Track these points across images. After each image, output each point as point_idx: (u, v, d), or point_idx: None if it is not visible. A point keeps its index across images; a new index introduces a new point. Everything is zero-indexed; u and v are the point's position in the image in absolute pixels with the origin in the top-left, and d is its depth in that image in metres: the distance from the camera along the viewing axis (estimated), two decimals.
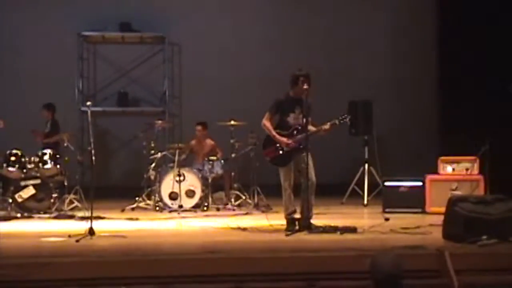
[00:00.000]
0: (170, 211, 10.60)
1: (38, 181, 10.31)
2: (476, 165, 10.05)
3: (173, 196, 10.76)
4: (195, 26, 13.70)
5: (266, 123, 8.29)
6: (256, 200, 11.15)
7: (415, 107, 13.74)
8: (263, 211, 10.49)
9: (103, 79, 13.92)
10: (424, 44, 13.87)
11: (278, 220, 8.71)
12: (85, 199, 10.57)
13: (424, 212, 10.12)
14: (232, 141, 11.34)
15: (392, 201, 10.30)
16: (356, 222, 8.51)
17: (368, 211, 10.81)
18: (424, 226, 8.30)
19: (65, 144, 10.99)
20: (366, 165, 11.74)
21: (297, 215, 8.24)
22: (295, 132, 8.22)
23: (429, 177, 10.33)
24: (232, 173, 11.44)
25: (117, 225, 9.03)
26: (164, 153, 11.46)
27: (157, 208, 10.86)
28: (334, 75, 13.51)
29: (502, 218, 7.24)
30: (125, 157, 13.79)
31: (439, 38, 13.69)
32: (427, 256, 6.47)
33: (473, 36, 12.00)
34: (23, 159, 10.43)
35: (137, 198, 11.20)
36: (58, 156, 10.72)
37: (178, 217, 10.02)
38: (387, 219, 9.09)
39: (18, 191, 10.20)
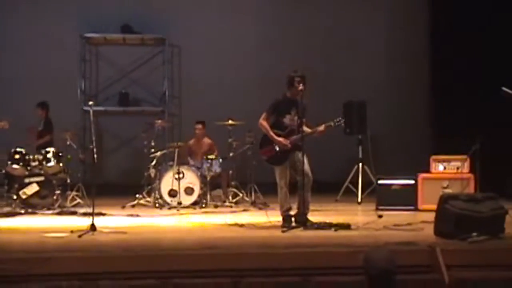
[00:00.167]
0: (170, 208, 10.61)
1: (41, 179, 10.32)
2: (466, 164, 10.06)
3: (173, 193, 10.77)
4: (194, 28, 13.71)
5: (263, 122, 8.28)
6: (253, 197, 11.17)
7: (408, 107, 13.77)
8: (260, 208, 10.52)
9: (104, 79, 13.93)
10: (418, 47, 13.89)
11: (274, 217, 8.71)
12: (87, 196, 10.59)
13: (416, 209, 10.12)
14: (230, 140, 11.35)
15: (385, 199, 10.31)
16: (350, 219, 8.51)
17: (362, 209, 10.81)
18: (416, 223, 8.30)
19: (68, 143, 10.99)
20: (360, 164, 11.75)
21: (293, 212, 8.25)
22: (290, 132, 8.22)
23: (421, 175, 10.34)
24: (230, 171, 11.45)
25: (118, 221, 9.02)
26: (164, 151, 11.45)
27: (157, 205, 10.86)
28: (330, 76, 13.52)
29: (492, 216, 7.24)
30: (125, 155, 13.79)
31: (432, 41, 13.70)
32: (419, 252, 6.48)
33: (465, 39, 12.01)
34: (27, 157, 10.46)
35: (137, 195, 11.19)
36: (61, 154, 10.71)
37: (178, 214, 10.03)
38: (380, 216, 9.10)
39: (22, 188, 10.21)
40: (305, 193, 8.10)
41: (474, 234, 6.87)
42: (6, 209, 10.17)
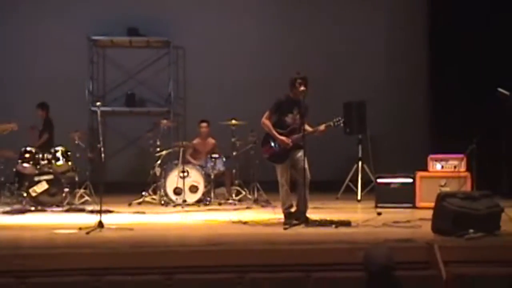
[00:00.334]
0: (175, 206, 10.61)
1: (50, 177, 10.32)
2: (463, 163, 10.04)
3: (178, 191, 10.77)
4: (198, 31, 13.71)
5: (266, 121, 8.28)
6: (255, 195, 11.17)
7: (407, 108, 13.75)
8: (262, 206, 10.53)
9: (112, 81, 13.93)
10: (417, 47, 13.86)
11: (277, 214, 8.71)
12: (94, 194, 10.60)
13: (414, 207, 10.12)
14: (233, 139, 11.37)
15: (384, 197, 10.30)
16: (350, 217, 8.50)
17: (361, 206, 10.80)
18: (415, 220, 8.28)
19: (76, 142, 11.00)
20: (360, 163, 11.75)
21: (294, 209, 8.25)
22: (292, 131, 8.23)
23: (419, 174, 10.33)
24: (233, 170, 11.46)
25: (124, 218, 9.02)
26: (169, 150, 11.46)
27: (162, 203, 10.87)
28: (330, 76, 13.50)
29: (488, 213, 7.23)
30: (132, 154, 13.80)
31: (431, 41, 13.66)
32: (417, 248, 6.47)
33: (465, 39, 11.98)
34: (37, 156, 10.46)
35: (143, 193, 11.21)
36: (69, 153, 10.72)
37: (183, 211, 10.03)
38: (379, 214, 9.08)
39: (32, 186, 10.21)
40: (304, 191, 8.10)
41: (471, 231, 6.86)
42: (17, 207, 10.20)
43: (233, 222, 8.56)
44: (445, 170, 10.32)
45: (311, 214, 8.29)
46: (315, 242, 6.77)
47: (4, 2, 13.44)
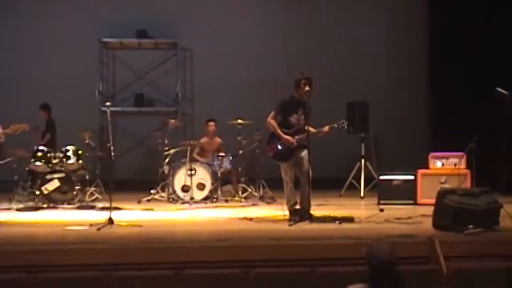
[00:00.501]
0: (183, 203, 10.61)
1: (62, 175, 10.35)
2: (463, 161, 10.03)
3: (185, 188, 10.78)
4: (205, 33, 13.71)
5: (271, 121, 8.28)
6: (261, 192, 11.16)
7: (408, 107, 13.72)
8: (268, 203, 10.54)
9: (121, 81, 13.94)
10: (417, 48, 13.82)
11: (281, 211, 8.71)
12: (104, 191, 10.61)
13: (415, 203, 10.10)
14: (239, 138, 11.37)
15: (387, 194, 10.29)
16: (354, 213, 8.51)
17: (364, 203, 10.80)
18: (416, 217, 8.29)
19: (87, 141, 11.02)
20: (363, 161, 11.73)
21: (298, 206, 8.25)
22: (297, 131, 8.23)
23: (420, 171, 10.32)
24: (240, 168, 11.45)
25: (134, 215, 9.04)
26: (177, 149, 11.47)
27: (171, 200, 10.87)
28: (334, 76, 13.49)
29: (487, 209, 7.24)
30: (141, 153, 13.80)
31: (432, 41, 13.60)
32: (418, 244, 6.48)
33: (465, 39, 11.93)
34: (48, 155, 10.49)
35: (152, 191, 11.22)
36: (80, 152, 10.74)
37: (190, 208, 10.05)
38: (381, 210, 9.10)
39: (44, 184, 10.24)
40: (307, 190, 8.10)
41: (471, 226, 6.87)
42: (30, 204, 10.23)
43: (239, 219, 8.57)
44: (446, 167, 10.30)
45: (315, 211, 8.30)
46: (319, 238, 6.78)
47: (20, 5, 13.48)
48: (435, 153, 10.51)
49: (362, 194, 11.38)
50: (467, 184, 9.78)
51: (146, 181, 11.65)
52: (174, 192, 10.86)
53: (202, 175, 10.86)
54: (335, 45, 13.83)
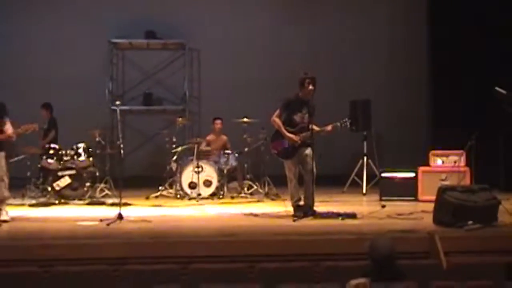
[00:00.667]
0: (190, 199, 10.62)
1: (73, 172, 10.36)
2: (463, 158, 10.01)
3: (192, 185, 10.78)
4: (211, 34, 13.70)
5: (276, 119, 8.29)
6: (266, 189, 11.16)
7: (410, 106, 13.68)
8: (273, 199, 10.54)
9: (130, 81, 13.94)
10: (417, 47, 13.76)
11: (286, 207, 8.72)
12: (114, 188, 10.62)
13: (416, 200, 10.08)
14: (245, 136, 11.36)
15: (388, 190, 10.27)
16: (356, 209, 8.51)
17: (366, 199, 10.79)
18: (417, 213, 8.30)
19: (97, 139, 11.04)
20: (365, 158, 11.72)
21: (302, 203, 8.25)
22: (301, 130, 8.23)
23: (421, 169, 10.31)
24: (245, 165, 11.45)
25: (143, 211, 9.06)
26: (184, 147, 11.48)
27: (178, 196, 10.88)
28: (338, 75, 13.46)
29: (486, 205, 7.25)
30: (149, 150, 13.81)
31: (431, 41, 13.55)
32: (419, 239, 6.49)
33: (465, 38, 11.89)
34: (60, 152, 10.51)
35: (160, 187, 11.23)
36: (90, 149, 10.76)
37: (197, 204, 10.06)
38: (383, 206, 9.09)
39: (55, 181, 10.26)
40: (311, 187, 8.10)
41: (470, 222, 6.87)
42: (42, 200, 10.26)
43: (245, 215, 8.58)
44: (446, 165, 10.28)
45: (319, 207, 8.30)
46: (322, 233, 6.79)
47: (34, 8, 13.51)
48: (435, 151, 10.50)
49: (364, 191, 11.37)
50: (467, 181, 9.76)
51: (154, 178, 11.66)
52: (182, 188, 10.87)
53: (209, 172, 10.87)
54: (338, 45, 13.80)
